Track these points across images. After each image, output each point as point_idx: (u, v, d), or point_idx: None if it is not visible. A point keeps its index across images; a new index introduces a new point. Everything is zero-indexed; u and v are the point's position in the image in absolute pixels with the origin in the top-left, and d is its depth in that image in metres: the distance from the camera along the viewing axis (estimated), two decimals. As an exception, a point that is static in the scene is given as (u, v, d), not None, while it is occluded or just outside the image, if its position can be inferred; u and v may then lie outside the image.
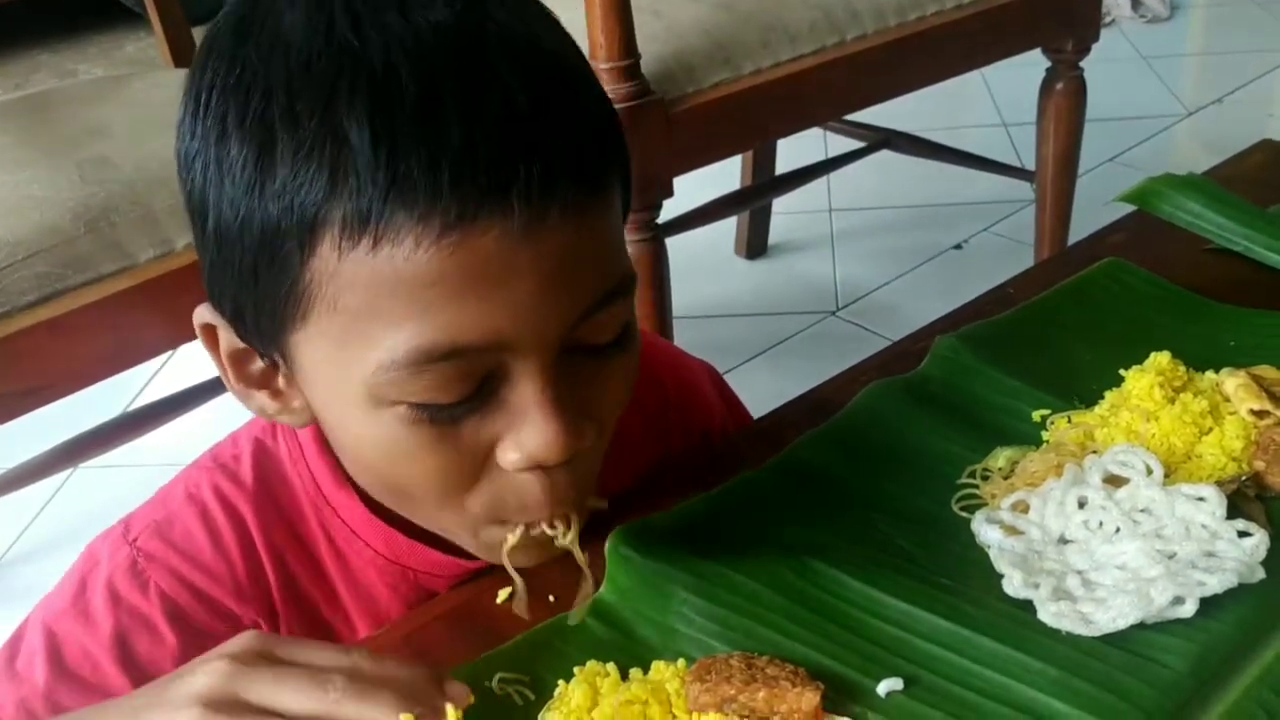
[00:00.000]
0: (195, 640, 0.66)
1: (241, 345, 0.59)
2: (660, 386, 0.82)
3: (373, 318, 0.51)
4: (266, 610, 0.69)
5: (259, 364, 0.60)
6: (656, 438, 0.81)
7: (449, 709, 0.53)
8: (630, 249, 1.30)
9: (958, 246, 2.29)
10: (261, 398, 0.62)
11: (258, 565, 0.68)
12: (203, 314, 0.60)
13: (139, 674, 0.65)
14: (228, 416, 0.77)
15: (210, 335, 0.60)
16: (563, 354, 0.55)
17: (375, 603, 0.71)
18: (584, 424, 0.56)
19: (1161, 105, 2.86)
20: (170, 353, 2.20)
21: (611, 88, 1.23)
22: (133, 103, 1.27)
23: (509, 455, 0.55)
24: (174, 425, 1.50)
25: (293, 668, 0.52)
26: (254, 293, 0.54)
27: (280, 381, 0.60)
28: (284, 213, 0.50)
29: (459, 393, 0.53)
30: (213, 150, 0.52)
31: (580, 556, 0.62)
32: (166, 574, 0.67)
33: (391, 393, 0.53)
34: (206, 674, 0.51)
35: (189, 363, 2.15)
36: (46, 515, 1.88)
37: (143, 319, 1.08)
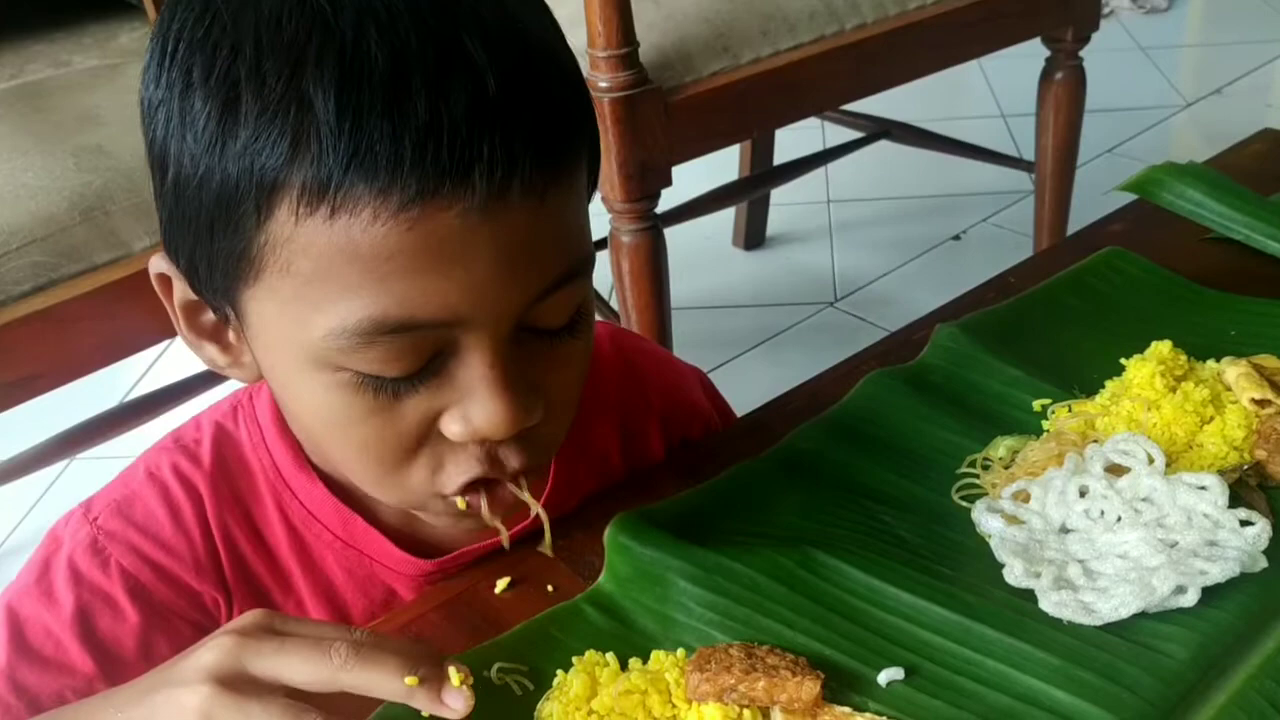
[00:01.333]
0: (157, 617, 0.67)
1: (195, 297, 0.59)
2: (644, 392, 0.81)
3: (326, 285, 0.51)
4: (223, 589, 0.70)
5: (211, 316, 0.60)
6: (637, 442, 0.81)
7: (452, 672, 0.53)
8: (628, 239, 1.32)
9: (956, 237, 2.29)
10: (212, 350, 0.62)
11: (213, 546, 0.69)
12: (158, 264, 0.60)
13: (101, 651, 0.65)
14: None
15: (165, 284, 0.60)
16: (515, 332, 0.55)
17: (332, 587, 0.71)
18: (533, 401, 0.56)
19: (1160, 96, 2.85)
20: (167, 342, 2.20)
21: (609, 76, 1.23)
22: (127, 91, 1.26)
23: (453, 427, 0.55)
24: (171, 415, 1.49)
25: (297, 639, 0.52)
26: (209, 248, 0.54)
27: (230, 335, 0.61)
28: (243, 174, 0.50)
29: (407, 367, 0.53)
30: (176, 103, 0.51)
31: (534, 503, 0.62)
32: (127, 551, 0.67)
33: (339, 359, 0.53)
34: (213, 650, 0.51)
35: (186, 353, 2.15)
36: (43, 506, 1.87)
37: (138, 308, 1.08)
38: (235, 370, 0.62)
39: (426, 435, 0.56)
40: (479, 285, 0.51)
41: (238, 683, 0.50)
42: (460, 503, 0.60)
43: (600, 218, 1.36)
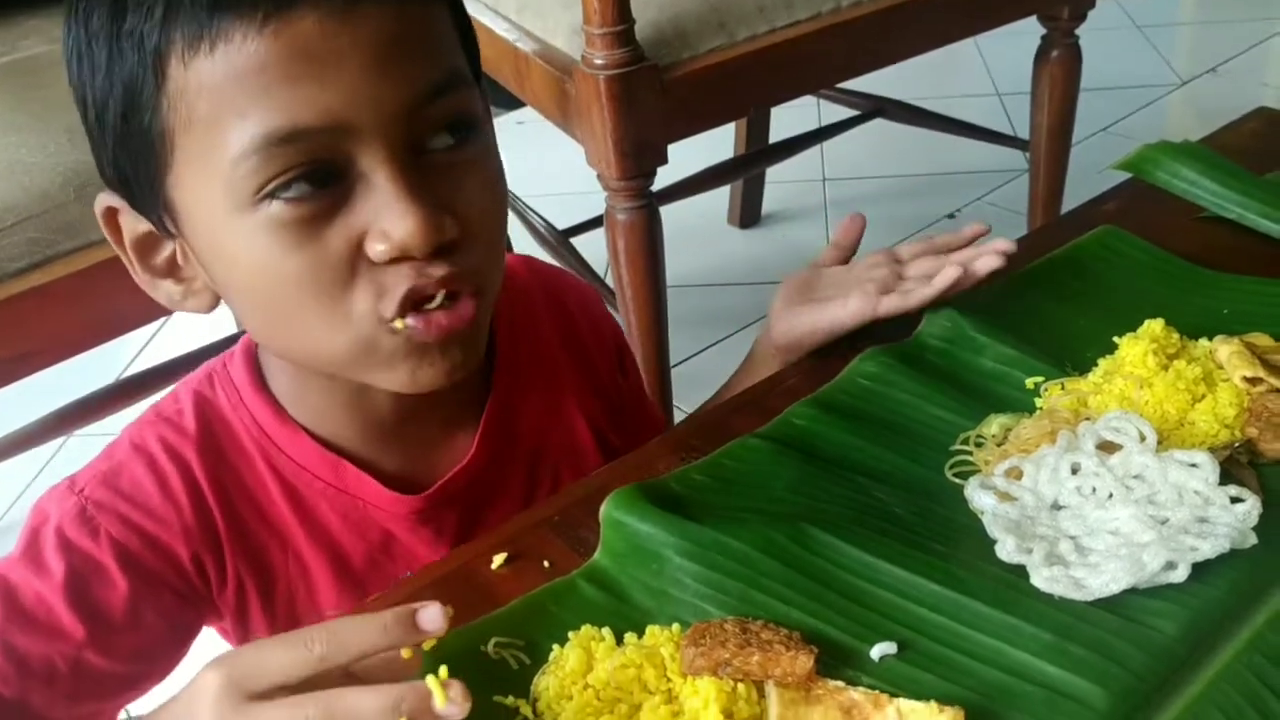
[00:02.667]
0: (145, 585, 0.68)
1: (143, 230, 0.64)
2: (563, 306, 0.86)
3: (222, 117, 0.56)
4: (215, 554, 0.71)
5: (164, 252, 0.65)
6: (575, 353, 0.85)
7: (435, 689, 0.49)
8: (624, 217, 1.32)
9: (950, 216, 2.29)
10: (168, 285, 0.66)
11: (205, 510, 0.70)
12: (102, 199, 0.64)
13: (91, 617, 0.67)
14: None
15: (113, 224, 0.65)
16: (414, 154, 0.59)
17: (329, 534, 0.73)
18: (444, 216, 0.59)
19: (1155, 74, 2.85)
20: (163, 320, 2.20)
21: (605, 54, 1.23)
22: (122, 68, 1.26)
23: (376, 247, 0.58)
24: (167, 392, 1.50)
25: (272, 671, 0.50)
26: (128, 147, 0.60)
27: (179, 259, 0.65)
28: (136, 54, 0.57)
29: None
30: (83, 39, 0.59)
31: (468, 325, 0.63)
32: (116, 520, 0.68)
33: (252, 185, 0.57)
34: (206, 692, 0.49)
35: (181, 331, 2.16)
36: (40, 483, 1.88)
37: (134, 285, 1.08)
38: (192, 300, 0.66)
39: (356, 264, 0.59)
40: (350, 87, 0.56)
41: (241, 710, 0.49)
42: (399, 324, 0.61)
43: (595, 196, 1.36)
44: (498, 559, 0.68)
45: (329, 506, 0.72)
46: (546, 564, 0.67)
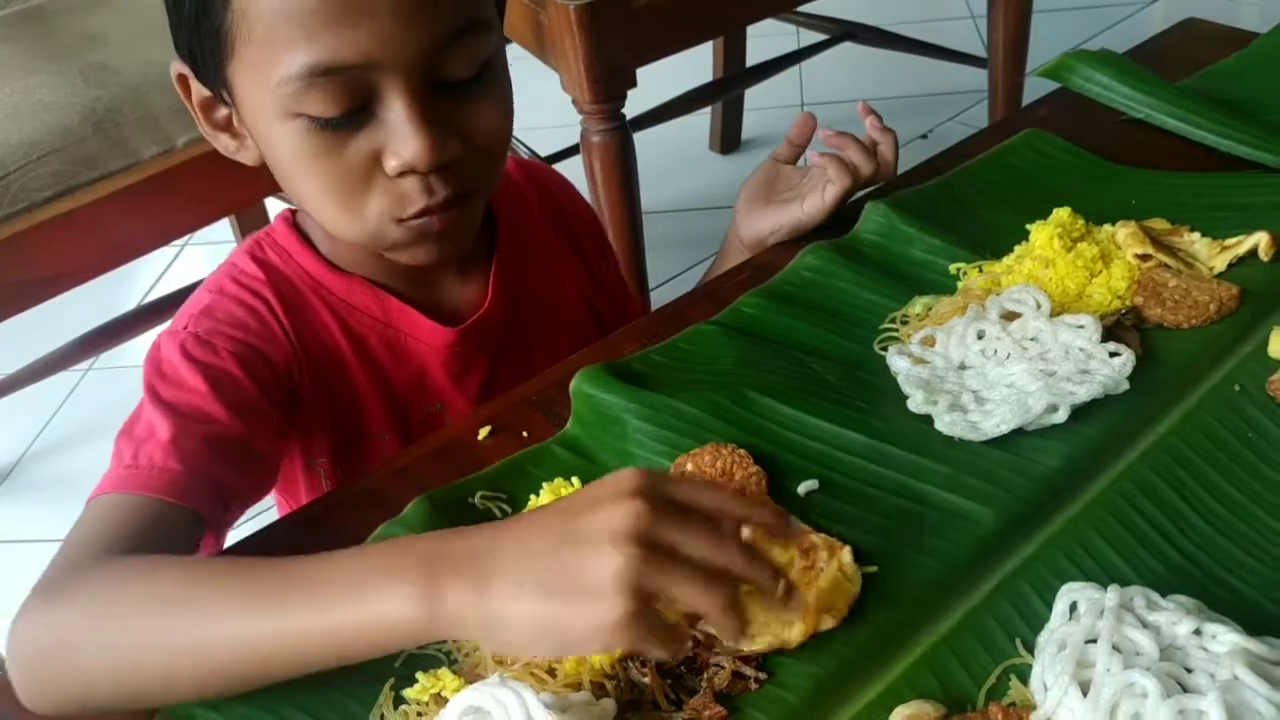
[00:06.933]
0: (262, 390, 0.77)
1: (206, 94, 0.75)
2: (550, 194, 0.99)
3: (275, 43, 0.67)
4: (297, 370, 0.81)
5: (222, 111, 0.76)
6: (563, 233, 0.98)
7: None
8: (598, 139, 1.40)
9: (924, 136, 2.36)
10: (224, 139, 0.78)
11: (286, 333, 0.81)
12: (175, 66, 0.75)
13: (238, 410, 0.74)
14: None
15: (184, 86, 0.76)
16: (434, 86, 0.69)
17: (378, 364, 0.84)
18: (449, 139, 0.70)
19: (1129, -9, 2.90)
20: (177, 249, 2.29)
21: (575, -15, 1.30)
22: (126, 11, 1.34)
23: (390, 162, 0.70)
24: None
25: (695, 517, 0.55)
26: (198, 35, 0.70)
27: (235, 122, 0.76)
28: None
29: (342, 106, 0.68)
30: None
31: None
32: (226, 339, 0.77)
33: (292, 105, 0.68)
34: (625, 514, 0.53)
35: (192, 265, 2.25)
36: (69, 409, 1.98)
37: (149, 211, 1.17)
38: (243, 154, 0.77)
39: (372, 173, 0.71)
40: (384, 31, 0.66)
41: (652, 549, 0.52)
42: (406, 221, 0.72)
43: (569, 129, 1.44)
44: (483, 431, 0.78)
45: (376, 339, 0.84)
46: (525, 434, 0.77)
